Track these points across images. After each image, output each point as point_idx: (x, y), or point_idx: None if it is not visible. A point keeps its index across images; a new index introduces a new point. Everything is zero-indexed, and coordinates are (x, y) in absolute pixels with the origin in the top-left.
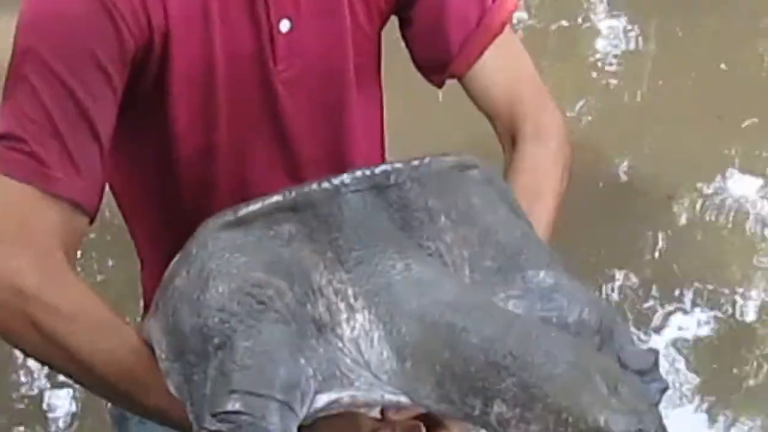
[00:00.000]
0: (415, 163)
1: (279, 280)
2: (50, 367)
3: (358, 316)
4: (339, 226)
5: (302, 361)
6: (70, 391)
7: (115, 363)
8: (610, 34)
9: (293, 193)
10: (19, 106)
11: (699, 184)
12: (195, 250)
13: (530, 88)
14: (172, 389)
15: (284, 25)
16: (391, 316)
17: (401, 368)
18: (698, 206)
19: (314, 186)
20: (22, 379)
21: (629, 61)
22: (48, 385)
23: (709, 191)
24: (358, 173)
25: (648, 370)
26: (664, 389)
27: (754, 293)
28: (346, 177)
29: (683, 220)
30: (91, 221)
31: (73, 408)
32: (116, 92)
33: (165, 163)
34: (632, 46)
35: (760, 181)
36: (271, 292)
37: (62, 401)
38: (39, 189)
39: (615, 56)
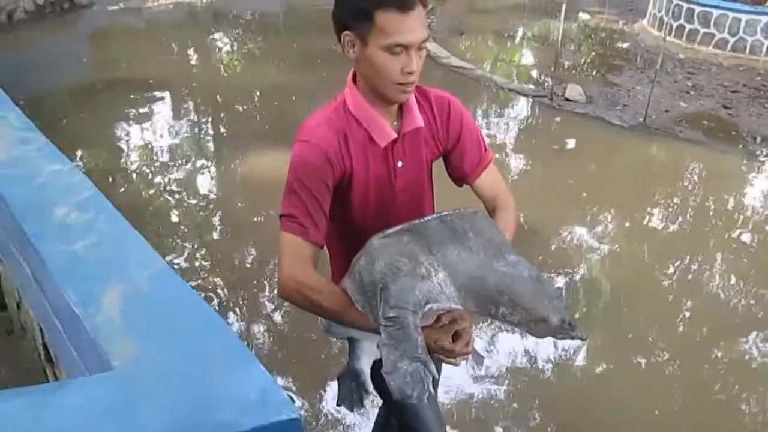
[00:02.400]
0: (458, 210)
1: (403, 258)
2: (312, 312)
3: (440, 274)
4: (428, 236)
5: (417, 292)
6: None
7: (338, 304)
8: None
9: (409, 224)
10: (292, 202)
11: None
12: (369, 248)
13: (499, 188)
14: (360, 308)
15: (399, 164)
16: (454, 273)
17: (459, 295)
18: None
19: (419, 220)
20: None
21: None
22: None
23: None
24: (436, 215)
25: (555, 291)
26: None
27: None
28: (430, 217)
29: None
30: (322, 248)
31: None
32: (331, 194)
33: (348, 224)
34: None
35: None
36: (401, 264)
37: None
38: (301, 238)
39: None
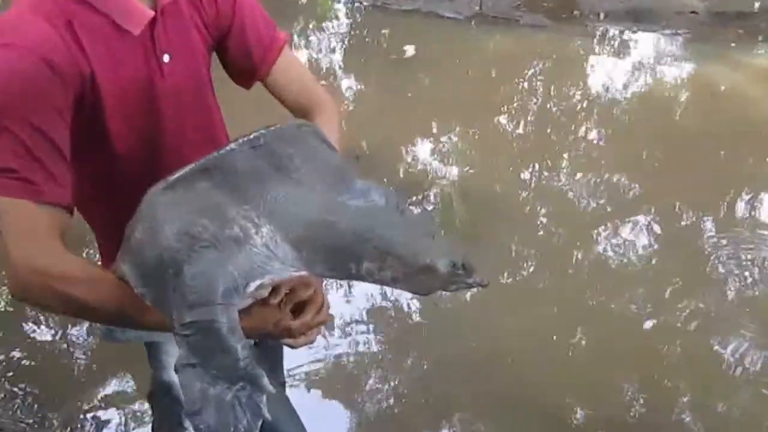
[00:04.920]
0: (272, 127)
1: (203, 220)
2: (71, 316)
3: (263, 229)
4: (236, 176)
5: (230, 268)
6: None
7: (114, 300)
8: None
9: (202, 161)
10: (6, 148)
11: None
12: (145, 211)
13: (308, 82)
14: (151, 305)
15: (166, 58)
16: (285, 224)
17: (300, 256)
18: None
19: (215, 153)
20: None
21: None
22: None
23: None
24: (240, 141)
25: (428, 222)
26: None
27: None
28: (233, 144)
29: None
30: (71, 213)
31: None
32: (68, 125)
33: (107, 173)
34: None
35: None
36: (200, 228)
37: None
38: (33, 201)
39: None
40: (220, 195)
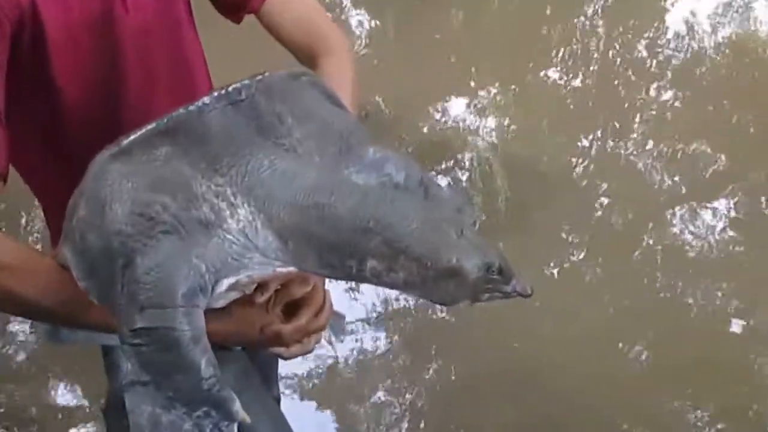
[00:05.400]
0: (258, 77)
1: (162, 196)
2: (3, 311)
3: (240, 211)
4: (208, 140)
5: (195, 260)
6: None
7: (52, 293)
8: None
9: (165, 120)
10: None
11: None
12: (90, 183)
13: (316, 20)
14: (96, 302)
15: None
16: (268, 206)
17: (285, 247)
18: None
19: (181, 110)
20: None
21: None
22: None
23: None
24: (215, 94)
25: (461, 207)
26: (475, 221)
27: None
28: (206, 99)
29: None
30: (5, 181)
31: None
32: (3, 72)
33: (53, 133)
34: None
35: None
36: (158, 207)
37: None
38: None
39: None
40: (185, 165)
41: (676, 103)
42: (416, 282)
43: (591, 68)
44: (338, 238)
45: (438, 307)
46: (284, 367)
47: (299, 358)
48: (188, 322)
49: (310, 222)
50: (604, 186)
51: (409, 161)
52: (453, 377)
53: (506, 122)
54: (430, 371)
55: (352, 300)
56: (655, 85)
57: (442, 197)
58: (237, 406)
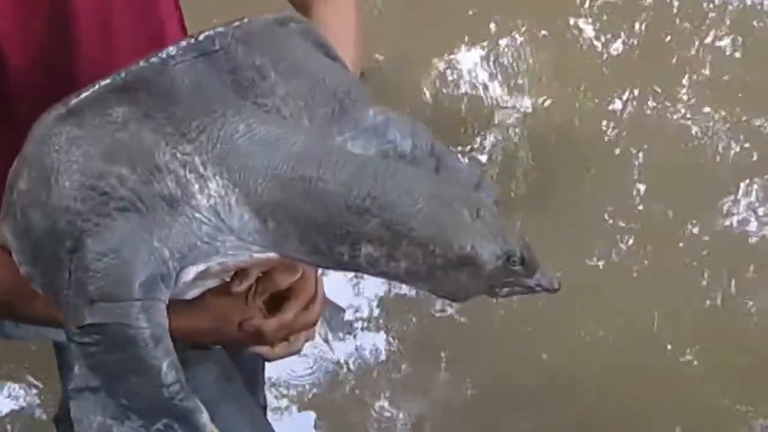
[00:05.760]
0: (236, 24)
1: (119, 167)
2: None
3: (211, 184)
4: (173, 99)
5: (156, 243)
6: None
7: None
8: None
9: (122, 74)
10: None
11: None
12: (33, 148)
13: None
14: (40, 292)
15: None
16: (244, 178)
17: (264, 228)
18: None
19: (141, 63)
20: None
21: None
22: None
23: None
24: (183, 43)
25: (479, 183)
26: (497, 200)
27: None
28: (171, 49)
29: None
30: None
31: None
32: None
33: None
34: None
35: None
36: (113, 181)
37: None
38: None
39: None
40: (146, 129)
41: (735, 57)
42: (421, 272)
43: (632, 19)
44: (327, 219)
45: (446, 302)
46: (273, 371)
47: (289, 360)
48: (147, 318)
49: (294, 198)
50: (647, 160)
51: (416, 126)
52: (466, 384)
53: (530, 82)
54: (442, 375)
55: (348, 287)
56: (709, 38)
57: (457, 170)
58: (204, 418)
